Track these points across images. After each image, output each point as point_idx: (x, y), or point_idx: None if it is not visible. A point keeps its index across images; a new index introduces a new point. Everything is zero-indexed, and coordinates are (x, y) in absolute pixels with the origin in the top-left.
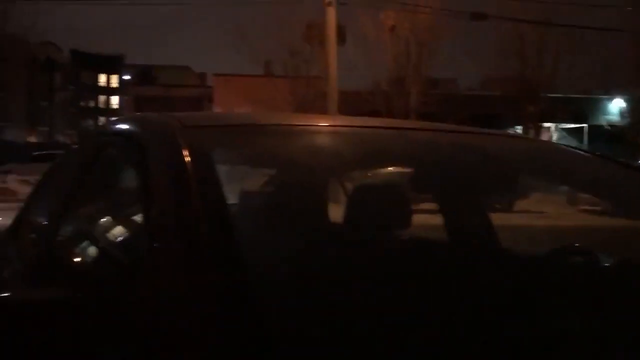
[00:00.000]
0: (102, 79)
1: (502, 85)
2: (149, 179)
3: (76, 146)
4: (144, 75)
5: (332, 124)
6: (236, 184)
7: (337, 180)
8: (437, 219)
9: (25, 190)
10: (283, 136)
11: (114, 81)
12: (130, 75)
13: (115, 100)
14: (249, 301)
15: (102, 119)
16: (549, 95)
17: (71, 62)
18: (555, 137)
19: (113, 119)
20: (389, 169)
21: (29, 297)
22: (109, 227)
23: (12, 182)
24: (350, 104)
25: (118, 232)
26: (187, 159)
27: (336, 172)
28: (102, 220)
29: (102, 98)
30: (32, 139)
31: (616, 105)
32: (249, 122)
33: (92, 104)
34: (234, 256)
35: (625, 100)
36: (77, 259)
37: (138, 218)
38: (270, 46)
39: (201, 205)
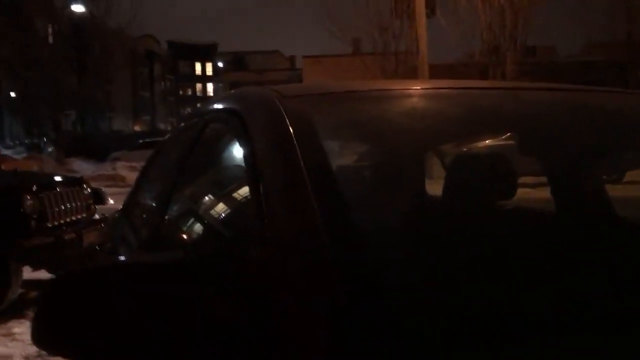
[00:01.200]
0: (198, 67)
1: (605, 50)
2: (252, 150)
3: (179, 128)
4: (237, 61)
5: (434, 86)
6: (337, 153)
7: (443, 146)
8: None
9: (133, 176)
10: (387, 100)
11: (209, 69)
12: (223, 62)
13: (210, 88)
14: (372, 283)
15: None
16: None
17: (168, 53)
18: None
19: (213, 97)
20: (489, 142)
21: (146, 260)
22: (215, 205)
23: (121, 168)
24: (442, 77)
25: (224, 209)
26: (290, 127)
27: (445, 136)
28: (208, 197)
29: (198, 86)
30: (137, 128)
31: None
32: (348, 89)
33: (189, 92)
34: (348, 233)
35: None
36: (186, 237)
37: (244, 194)
38: (358, 24)
39: (309, 177)
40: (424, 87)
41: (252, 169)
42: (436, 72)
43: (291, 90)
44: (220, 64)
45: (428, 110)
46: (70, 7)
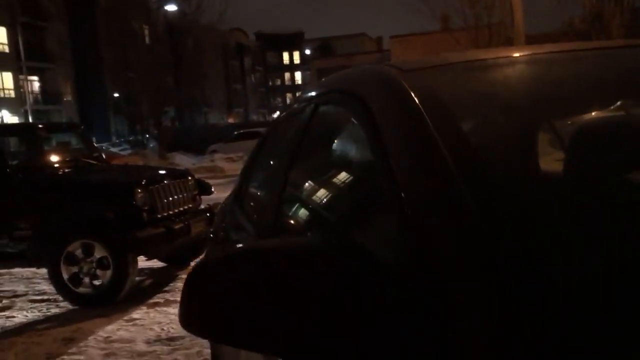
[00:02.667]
0: (286, 57)
1: None
2: (378, 131)
3: (283, 116)
4: (324, 48)
5: (556, 49)
6: (470, 127)
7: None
8: None
9: (231, 167)
10: (510, 67)
11: (297, 58)
12: (310, 49)
13: (298, 76)
14: (538, 273)
15: (289, 96)
16: None
17: (257, 45)
18: None
19: (323, 79)
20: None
21: (295, 242)
22: (337, 191)
23: (219, 160)
24: None
25: (348, 195)
26: (419, 104)
27: (580, 102)
28: (328, 184)
29: (287, 75)
30: (231, 120)
31: None
32: (468, 58)
33: (278, 82)
34: (506, 217)
35: None
36: (310, 224)
37: (369, 179)
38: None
39: (451, 156)
40: (544, 51)
41: (380, 152)
42: (533, 43)
43: (409, 64)
44: (307, 52)
45: (557, 75)
46: (164, 7)
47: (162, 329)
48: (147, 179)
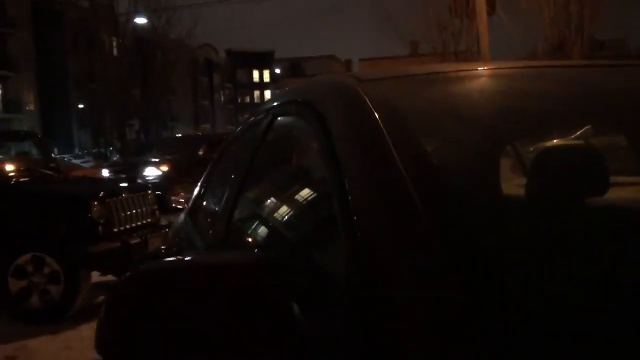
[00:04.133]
0: (256, 74)
1: None
2: (331, 143)
3: (241, 128)
4: (293, 67)
5: (531, 65)
6: (429, 141)
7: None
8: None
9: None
10: (474, 80)
11: (267, 76)
12: (280, 69)
13: (268, 95)
14: (493, 289)
15: None
16: None
17: (227, 62)
18: None
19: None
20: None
21: (226, 258)
22: (288, 205)
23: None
24: None
25: (300, 209)
26: (375, 113)
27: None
28: (280, 197)
29: (256, 93)
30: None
31: None
32: (430, 70)
33: (247, 99)
34: (463, 234)
35: None
36: (258, 239)
37: (321, 192)
38: (415, 24)
39: (406, 169)
40: (507, 66)
41: (333, 164)
42: None
43: (368, 74)
44: (277, 71)
45: (521, 89)
46: (133, 20)
47: None
48: (104, 192)
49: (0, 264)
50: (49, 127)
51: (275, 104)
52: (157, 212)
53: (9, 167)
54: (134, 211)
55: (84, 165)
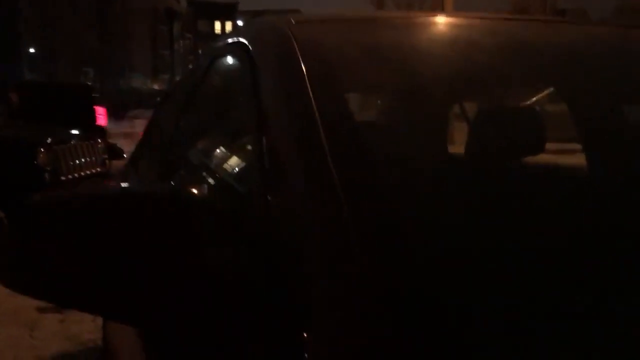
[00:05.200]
0: (218, 26)
1: (638, 15)
2: (257, 86)
3: (189, 70)
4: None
5: (461, 16)
6: (356, 89)
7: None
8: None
9: None
10: (414, 28)
11: (229, 27)
12: (243, 21)
13: None
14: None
15: None
16: None
17: (188, 11)
18: None
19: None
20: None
21: (136, 189)
22: (220, 153)
23: (140, 126)
24: None
25: (231, 158)
26: (300, 58)
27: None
28: (211, 140)
29: None
30: (156, 87)
31: None
32: (368, 16)
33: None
34: (373, 200)
35: None
36: (181, 180)
37: (247, 139)
38: None
39: (323, 126)
40: (456, 16)
41: (256, 110)
42: None
43: (303, 17)
44: (240, 23)
45: (459, 40)
46: None
47: None
48: (52, 138)
49: None
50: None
51: (216, 45)
52: (107, 161)
53: None
54: (82, 160)
55: None
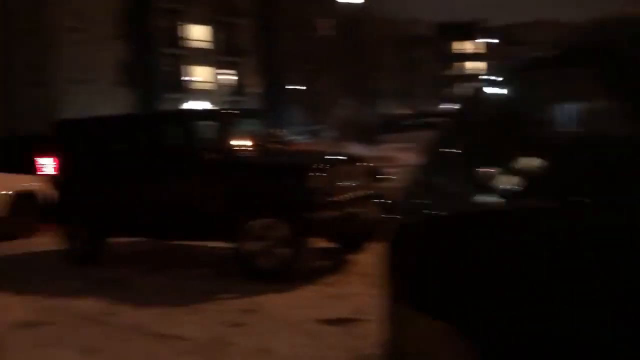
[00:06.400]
0: (465, 46)
1: None
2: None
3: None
4: (507, 36)
5: None
6: None
7: None
8: None
9: (402, 157)
10: None
11: (476, 47)
12: (493, 38)
13: (476, 65)
14: None
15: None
16: None
17: (435, 34)
18: None
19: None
20: None
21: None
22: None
23: (392, 150)
24: None
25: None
26: None
27: None
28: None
29: (467, 65)
30: (402, 111)
31: None
32: None
33: (457, 72)
34: None
35: None
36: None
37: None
38: None
39: None
40: None
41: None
42: None
43: None
44: (489, 40)
45: None
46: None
47: (333, 310)
48: (329, 163)
49: (238, 227)
50: (269, 107)
51: (528, 58)
52: (371, 183)
53: (242, 141)
54: (352, 182)
55: (299, 140)
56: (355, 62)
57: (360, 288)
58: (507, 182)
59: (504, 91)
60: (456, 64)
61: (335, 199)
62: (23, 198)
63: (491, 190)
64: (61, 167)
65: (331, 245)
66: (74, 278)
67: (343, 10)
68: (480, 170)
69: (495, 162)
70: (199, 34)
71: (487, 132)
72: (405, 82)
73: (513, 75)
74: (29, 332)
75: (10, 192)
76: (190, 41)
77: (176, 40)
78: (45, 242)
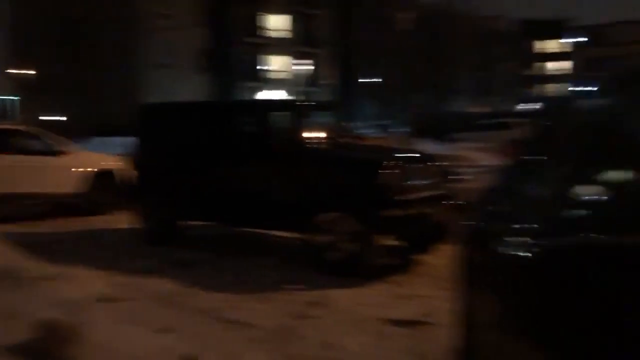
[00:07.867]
0: (548, 44)
1: None
2: None
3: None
4: (594, 35)
5: None
6: None
7: None
8: None
9: (476, 157)
10: None
11: (561, 47)
12: (580, 37)
13: (559, 65)
14: None
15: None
16: None
17: (516, 31)
18: None
19: None
20: None
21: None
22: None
23: (465, 149)
24: None
25: None
26: None
27: None
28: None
29: (549, 65)
30: (478, 109)
31: None
32: None
33: (539, 71)
34: None
35: None
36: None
37: None
38: None
39: None
40: None
41: None
42: None
43: None
44: (574, 40)
45: None
46: None
47: (402, 310)
48: (399, 160)
49: (307, 218)
50: (342, 99)
51: None
52: (444, 183)
53: (314, 134)
54: (424, 181)
55: (370, 134)
56: (432, 58)
57: (430, 290)
58: (612, 205)
59: (608, 101)
60: (537, 64)
61: (406, 197)
62: (103, 176)
63: (596, 213)
64: (141, 149)
65: (399, 243)
66: (148, 257)
67: (424, 4)
68: (580, 187)
69: (596, 180)
70: (277, 23)
71: (585, 143)
72: (483, 79)
73: (621, 86)
74: (107, 307)
75: (92, 170)
76: (269, 31)
77: (255, 30)
78: (121, 219)
